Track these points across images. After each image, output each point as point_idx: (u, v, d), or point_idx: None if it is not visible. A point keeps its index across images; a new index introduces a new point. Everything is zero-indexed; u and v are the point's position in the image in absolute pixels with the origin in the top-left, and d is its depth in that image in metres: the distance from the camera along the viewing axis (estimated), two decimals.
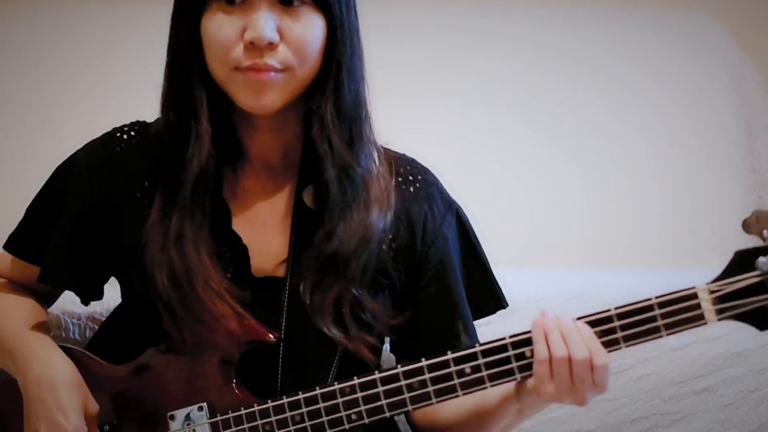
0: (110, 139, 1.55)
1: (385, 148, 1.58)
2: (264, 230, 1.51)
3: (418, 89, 2.44)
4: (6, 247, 1.61)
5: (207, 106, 1.45)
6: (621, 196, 2.49)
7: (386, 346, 1.64)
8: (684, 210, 2.48)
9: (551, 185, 2.48)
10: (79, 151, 1.57)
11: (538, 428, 1.90)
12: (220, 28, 1.39)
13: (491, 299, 1.60)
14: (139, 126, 1.56)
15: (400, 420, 1.64)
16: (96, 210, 1.53)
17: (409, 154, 1.62)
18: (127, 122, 1.57)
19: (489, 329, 1.64)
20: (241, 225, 1.51)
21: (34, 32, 2.39)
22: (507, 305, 1.61)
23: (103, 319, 1.79)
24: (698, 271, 2.12)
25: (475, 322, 1.61)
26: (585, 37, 2.61)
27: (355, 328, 1.47)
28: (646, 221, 2.47)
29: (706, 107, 2.57)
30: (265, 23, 1.37)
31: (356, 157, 1.46)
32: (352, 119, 1.46)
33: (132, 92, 2.33)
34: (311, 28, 1.40)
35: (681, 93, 2.57)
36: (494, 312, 1.61)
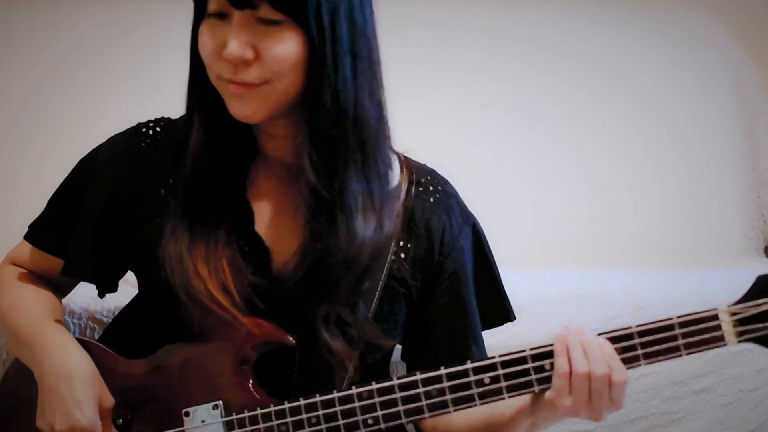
0: (135, 133, 1.56)
1: (405, 157, 1.59)
2: (284, 232, 1.52)
3: (418, 89, 2.45)
4: (27, 237, 1.62)
5: (202, 112, 1.47)
6: (621, 196, 2.49)
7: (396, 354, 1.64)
8: (684, 210, 2.49)
9: (551, 185, 2.49)
10: (103, 144, 1.58)
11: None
12: (206, 41, 1.42)
13: (500, 312, 1.62)
14: (165, 122, 1.57)
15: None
16: (119, 204, 1.53)
17: (428, 163, 1.62)
18: (153, 117, 1.58)
19: (489, 329, 1.64)
20: (262, 226, 1.51)
21: (34, 32, 2.39)
22: (515, 318, 1.62)
23: (104, 318, 1.79)
24: (698, 271, 2.13)
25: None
26: (585, 37, 2.61)
27: (344, 344, 1.47)
28: (646, 221, 2.47)
29: (706, 107, 2.57)
30: (235, 43, 1.38)
31: (336, 184, 1.46)
32: (329, 135, 1.44)
33: (132, 92, 2.34)
34: (284, 46, 1.40)
35: (681, 93, 2.57)
36: (501, 324, 1.62)
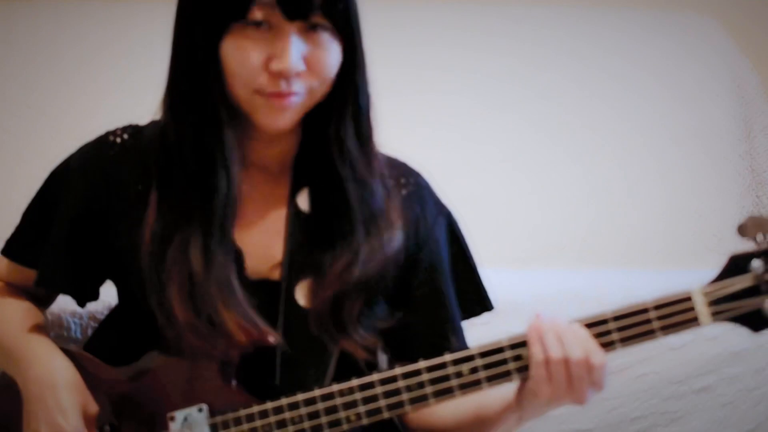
0: (104, 142, 1.55)
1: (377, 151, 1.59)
2: (259, 233, 1.52)
3: (418, 89, 2.45)
4: (3, 252, 1.61)
5: (232, 127, 1.46)
6: (621, 195, 2.49)
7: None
8: (683, 210, 2.48)
9: (552, 185, 2.49)
10: (72, 155, 1.57)
11: (537, 427, 1.89)
12: (244, 53, 1.38)
13: (478, 301, 1.61)
14: (132, 129, 1.56)
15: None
16: (90, 214, 1.52)
17: (409, 155, 1.63)
18: (120, 125, 1.57)
19: (488, 329, 1.64)
20: (236, 229, 1.51)
21: (33, 32, 2.39)
22: (493, 308, 1.62)
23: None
24: (698, 270, 2.13)
25: (475, 322, 1.62)
26: (585, 37, 2.61)
27: (354, 330, 1.48)
28: (646, 221, 2.47)
29: (705, 107, 2.57)
30: (294, 55, 1.37)
31: (374, 176, 1.50)
32: (369, 137, 1.49)
33: (131, 92, 2.34)
34: (332, 54, 1.41)
35: (681, 93, 2.57)
36: (479, 314, 1.62)
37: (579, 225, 2.45)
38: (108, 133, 1.56)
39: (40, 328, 1.57)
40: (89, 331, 1.81)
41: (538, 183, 2.49)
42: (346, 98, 1.45)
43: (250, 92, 1.40)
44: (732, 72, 2.61)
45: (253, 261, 1.50)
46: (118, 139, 1.54)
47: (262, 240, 1.51)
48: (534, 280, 2.01)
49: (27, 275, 1.59)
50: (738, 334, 1.96)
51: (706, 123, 2.56)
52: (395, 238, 1.51)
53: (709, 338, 1.96)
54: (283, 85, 1.38)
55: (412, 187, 1.58)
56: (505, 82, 2.52)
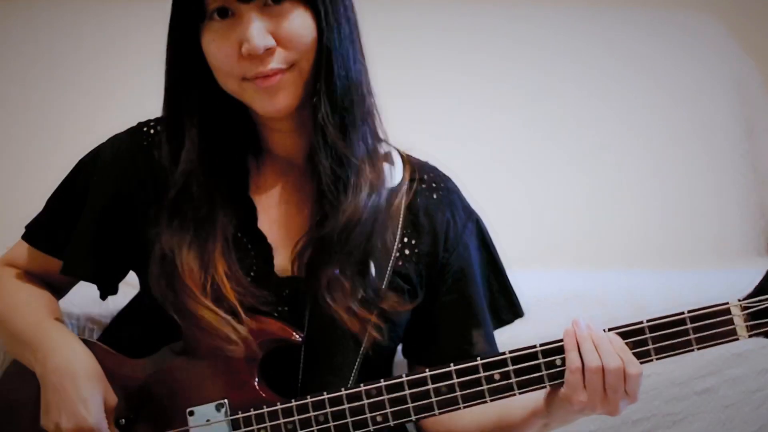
0: (137, 132, 1.56)
1: (407, 155, 1.59)
2: (287, 229, 1.51)
3: (418, 89, 2.44)
4: (25, 238, 1.61)
5: (197, 123, 1.46)
6: (621, 195, 2.49)
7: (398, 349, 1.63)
8: (684, 210, 2.48)
9: (551, 185, 2.48)
10: (104, 143, 1.58)
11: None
12: (217, 46, 1.41)
13: (510, 308, 1.61)
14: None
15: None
16: (121, 202, 1.53)
17: (429, 160, 1.62)
18: (152, 118, 1.57)
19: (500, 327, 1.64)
20: (265, 223, 1.51)
21: (33, 32, 2.39)
22: (523, 314, 1.61)
23: (102, 319, 1.79)
24: (698, 271, 2.13)
25: None
26: (585, 37, 2.61)
27: (357, 305, 1.46)
28: (647, 221, 2.47)
29: (706, 107, 2.57)
30: (257, 34, 1.38)
31: (350, 146, 1.46)
32: (344, 106, 1.46)
33: (132, 92, 2.33)
34: (298, 21, 1.41)
35: (681, 93, 2.57)
36: (512, 321, 1.62)
37: (579, 225, 2.45)
38: (140, 124, 1.56)
39: (58, 318, 1.57)
40: (86, 333, 1.81)
41: (538, 183, 2.49)
42: (320, 64, 1.43)
43: (238, 82, 1.42)
44: (734, 71, 2.61)
45: (281, 257, 1.49)
46: (152, 130, 1.55)
47: (291, 234, 1.51)
48: (534, 280, 2.00)
49: (47, 263, 1.59)
50: None
51: (707, 122, 2.56)
52: (365, 198, 1.47)
53: None
54: (260, 66, 1.39)
55: (443, 192, 1.57)
56: (506, 82, 2.52)
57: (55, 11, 2.41)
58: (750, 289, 1.36)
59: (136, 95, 2.29)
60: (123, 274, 1.60)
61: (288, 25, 1.40)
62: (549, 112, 2.53)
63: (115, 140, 1.57)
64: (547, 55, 2.56)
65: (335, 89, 1.44)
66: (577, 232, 2.44)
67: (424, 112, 2.42)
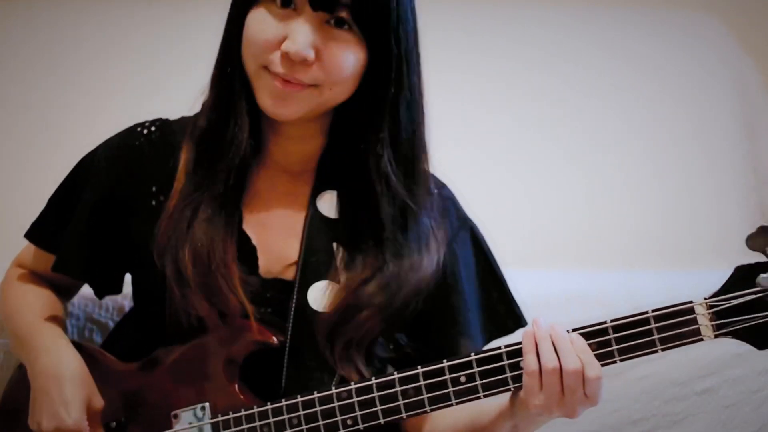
0: (131, 133, 1.56)
1: None
2: (275, 232, 1.52)
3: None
4: (27, 236, 1.62)
5: (244, 97, 1.45)
6: (621, 196, 2.49)
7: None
8: (684, 210, 2.48)
9: (551, 185, 2.48)
10: (100, 145, 1.59)
11: (538, 429, 1.89)
12: (262, 28, 1.39)
13: (510, 317, 1.59)
14: (160, 122, 1.57)
15: None
16: (113, 202, 1.53)
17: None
18: (152, 118, 1.58)
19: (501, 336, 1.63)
20: (252, 225, 1.51)
21: (33, 33, 2.39)
22: (526, 323, 1.58)
23: (102, 319, 1.79)
24: (699, 271, 2.13)
25: None
26: (585, 37, 2.61)
27: (356, 354, 1.47)
28: (647, 221, 2.47)
29: (706, 107, 2.57)
30: (305, 39, 1.36)
31: (415, 198, 1.48)
32: (410, 159, 1.47)
33: (132, 92, 2.34)
34: (348, 55, 1.40)
35: (681, 93, 2.57)
36: (513, 330, 1.59)
37: (579, 225, 2.45)
38: (136, 125, 1.57)
39: (56, 319, 1.58)
40: (86, 333, 1.81)
41: (538, 183, 2.48)
42: (382, 114, 1.44)
43: (258, 66, 1.41)
44: (734, 71, 2.60)
45: (266, 259, 1.50)
46: (146, 131, 1.55)
47: (279, 239, 1.51)
48: (534, 280, 2.00)
49: (50, 262, 1.59)
50: None
51: (707, 123, 2.56)
52: (426, 272, 1.48)
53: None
54: (288, 70, 1.38)
55: (437, 199, 1.57)
56: (506, 82, 2.52)
57: (55, 11, 2.40)
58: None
59: (136, 95, 2.30)
60: (118, 276, 1.60)
61: (335, 50, 1.39)
62: (549, 112, 2.52)
63: (110, 141, 1.58)
64: (547, 55, 2.56)
65: (400, 147, 1.46)
66: (577, 232, 2.44)
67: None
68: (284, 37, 1.38)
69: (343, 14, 1.37)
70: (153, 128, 1.55)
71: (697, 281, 2.01)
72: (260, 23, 1.39)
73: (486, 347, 1.56)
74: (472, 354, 1.37)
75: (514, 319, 1.60)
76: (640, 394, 1.92)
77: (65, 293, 1.66)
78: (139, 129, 1.56)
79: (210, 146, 1.47)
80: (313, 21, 1.37)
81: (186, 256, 1.44)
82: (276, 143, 1.51)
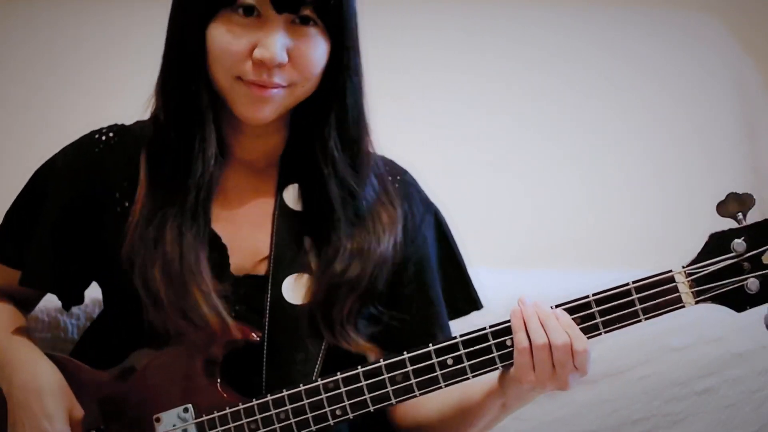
0: (89, 140, 1.55)
1: None
2: (244, 228, 1.52)
3: (417, 89, 2.44)
4: None
5: (211, 110, 1.46)
6: (621, 196, 2.49)
7: None
8: (684, 210, 2.48)
9: (551, 185, 2.48)
10: (57, 153, 1.57)
11: (539, 430, 1.90)
12: (230, 41, 1.40)
13: (467, 300, 1.62)
14: (117, 127, 1.56)
15: None
16: (76, 211, 1.52)
17: (414, 157, 1.63)
18: (105, 125, 1.57)
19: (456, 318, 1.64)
20: (220, 224, 1.51)
21: (33, 33, 2.38)
22: (482, 306, 1.62)
23: None
24: None
25: (474, 323, 1.60)
26: (585, 37, 2.61)
27: (344, 331, 1.48)
28: (647, 221, 2.47)
29: (706, 107, 2.57)
30: (277, 44, 1.38)
31: (361, 180, 1.50)
32: (354, 140, 1.49)
33: (132, 92, 2.33)
34: (318, 50, 1.42)
35: (681, 93, 2.57)
36: (468, 313, 1.62)
37: (578, 226, 2.45)
38: (93, 132, 1.56)
39: (24, 332, 1.56)
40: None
41: (538, 183, 2.48)
42: (331, 99, 1.46)
43: (232, 79, 1.41)
44: (734, 71, 2.60)
45: (237, 256, 1.50)
46: (104, 137, 1.54)
47: (248, 235, 1.51)
48: (534, 280, 2.00)
49: (10, 276, 1.57)
50: (741, 336, 1.97)
51: (707, 123, 2.56)
52: (384, 240, 1.51)
53: (712, 339, 1.95)
54: (264, 75, 1.39)
55: (399, 185, 1.58)
56: (506, 82, 2.52)
57: (55, 11, 2.40)
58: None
59: (136, 95, 2.30)
60: (84, 284, 1.59)
61: (306, 48, 1.40)
62: (549, 112, 2.52)
63: (68, 149, 1.56)
64: (547, 55, 2.56)
65: (347, 127, 1.47)
66: (577, 232, 2.44)
67: (423, 112, 2.42)
68: (254, 45, 1.39)
69: (307, 12, 1.39)
70: (111, 134, 1.54)
71: None
72: (226, 36, 1.40)
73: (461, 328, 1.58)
74: (458, 336, 1.39)
75: (471, 302, 1.62)
76: (639, 394, 1.92)
77: (25, 306, 1.64)
78: (97, 136, 1.55)
79: (172, 164, 1.47)
80: (280, 24, 1.38)
81: (157, 276, 1.43)
82: (239, 141, 1.52)
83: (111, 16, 2.40)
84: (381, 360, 1.40)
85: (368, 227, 1.50)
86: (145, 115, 1.54)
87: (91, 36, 2.39)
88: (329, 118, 1.46)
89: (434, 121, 2.45)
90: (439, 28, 2.57)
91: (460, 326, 1.53)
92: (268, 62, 1.38)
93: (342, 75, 1.45)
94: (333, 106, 1.46)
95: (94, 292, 1.64)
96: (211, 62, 1.42)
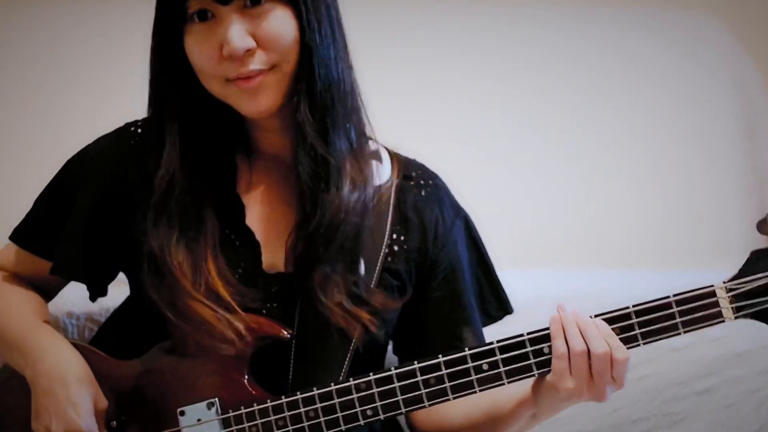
0: (123, 133, 1.56)
1: (395, 153, 1.59)
2: (275, 225, 1.52)
3: (417, 89, 2.44)
4: (13, 239, 1.61)
5: (179, 125, 1.48)
6: (621, 196, 2.49)
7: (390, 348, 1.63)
8: (684, 210, 2.48)
9: (551, 185, 2.48)
10: (91, 144, 1.58)
11: (539, 429, 1.89)
12: (199, 49, 1.42)
13: (499, 305, 1.62)
14: (147, 121, 1.56)
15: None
16: (109, 203, 1.53)
17: (417, 157, 1.62)
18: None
19: (489, 330, 1.63)
20: (254, 220, 1.51)
21: (33, 33, 2.38)
22: (513, 311, 1.62)
23: (102, 319, 1.79)
24: (699, 271, 2.13)
25: None
26: (585, 37, 2.60)
27: (350, 302, 1.47)
28: (647, 221, 2.47)
29: (706, 107, 2.57)
30: (236, 35, 1.39)
31: (331, 145, 1.46)
32: (324, 105, 1.46)
33: (132, 93, 2.33)
34: (281, 22, 1.42)
35: (681, 93, 2.56)
36: (501, 318, 1.63)
37: (579, 225, 2.45)
38: (128, 124, 1.57)
39: (47, 320, 1.57)
40: (86, 333, 1.81)
41: (538, 183, 2.48)
42: (302, 64, 1.44)
43: (221, 84, 1.43)
44: (734, 71, 2.60)
45: (269, 253, 1.50)
46: (139, 130, 1.55)
47: (279, 232, 1.51)
48: (534, 280, 2.00)
49: (36, 265, 1.59)
50: (741, 336, 1.97)
51: (707, 122, 2.56)
52: (348, 193, 1.47)
53: (712, 339, 1.95)
54: (241, 67, 1.40)
55: (431, 189, 1.57)
56: (506, 82, 2.52)
57: (55, 11, 2.40)
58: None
59: (137, 95, 2.30)
60: (113, 275, 1.60)
61: (267, 25, 1.40)
62: (548, 111, 2.52)
63: (103, 141, 1.57)
64: (546, 55, 2.55)
65: (315, 88, 1.44)
66: (577, 232, 2.43)
67: (423, 112, 2.42)
68: (221, 45, 1.40)
69: None
70: (145, 128, 1.55)
71: (697, 281, 2.01)
72: (195, 47, 1.42)
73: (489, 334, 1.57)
74: (494, 342, 1.39)
75: (503, 307, 1.63)
76: (639, 394, 1.92)
77: (47, 295, 1.65)
78: (132, 129, 1.56)
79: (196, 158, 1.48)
80: (231, 15, 1.39)
81: (184, 305, 1.44)
82: (262, 137, 1.53)
83: (111, 16, 2.40)
84: (415, 362, 1.40)
85: (334, 187, 1.47)
86: None
87: (91, 36, 2.39)
88: (298, 85, 1.44)
89: (434, 121, 2.44)
90: (438, 27, 2.57)
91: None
92: (235, 53, 1.38)
93: (306, 39, 1.43)
94: (301, 73, 1.44)
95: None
96: (199, 76, 1.45)
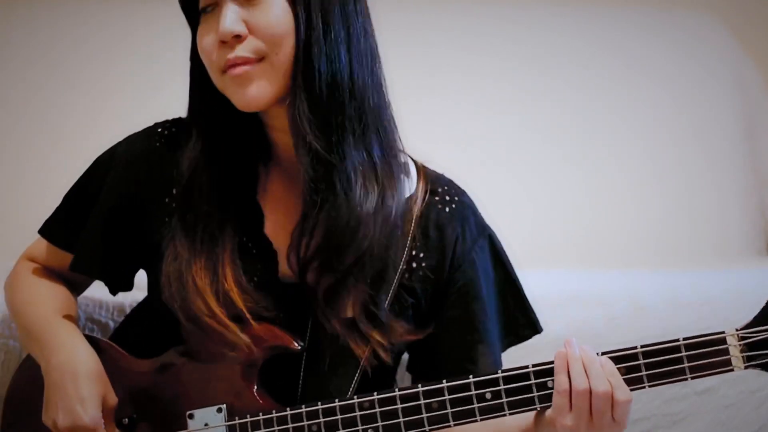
0: (152, 133, 1.56)
1: (423, 166, 1.58)
2: (290, 233, 1.50)
3: (417, 89, 2.44)
4: (42, 232, 1.62)
5: (204, 127, 1.48)
6: (621, 196, 2.49)
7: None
8: (684, 210, 2.48)
9: (551, 185, 2.48)
10: (120, 142, 1.58)
11: None
12: (205, 40, 1.43)
13: (527, 324, 1.59)
14: (177, 121, 1.57)
15: None
16: (131, 203, 1.53)
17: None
18: (161, 119, 1.57)
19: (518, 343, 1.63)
20: (271, 228, 1.51)
21: (33, 33, 2.39)
22: (542, 330, 1.59)
23: (102, 319, 1.79)
24: (699, 271, 2.13)
25: None
26: (585, 37, 2.61)
27: (363, 323, 1.45)
28: (647, 221, 2.47)
29: (706, 107, 2.57)
30: (227, 19, 1.39)
31: (335, 148, 1.43)
32: (330, 105, 1.43)
33: (132, 92, 2.34)
34: (274, 12, 1.41)
35: (681, 93, 2.57)
36: (530, 337, 1.59)
37: (579, 226, 2.45)
38: (156, 125, 1.56)
39: (69, 315, 1.57)
40: (86, 332, 1.80)
41: (538, 183, 2.49)
42: (298, 59, 1.42)
43: (219, 75, 1.42)
44: (734, 71, 2.61)
45: (284, 262, 1.49)
46: (166, 131, 1.55)
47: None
48: (534, 280, 2.00)
49: (63, 259, 1.59)
50: None
51: (707, 123, 2.56)
52: (375, 199, 1.45)
53: None
54: (229, 53, 1.39)
55: (456, 206, 1.55)
56: (506, 82, 2.52)
57: (55, 11, 2.41)
58: (749, 319, 1.33)
59: (136, 95, 2.30)
60: (132, 274, 1.60)
61: (260, 14, 1.40)
62: (549, 112, 2.53)
63: (130, 140, 1.57)
64: (548, 56, 2.56)
65: (315, 85, 1.42)
66: (577, 232, 2.44)
67: (424, 112, 2.42)
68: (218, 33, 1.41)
69: None
70: (174, 129, 1.55)
71: (696, 281, 2.01)
72: (201, 39, 1.43)
73: (506, 358, 1.56)
74: (499, 371, 1.37)
75: (531, 327, 1.59)
76: (639, 394, 1.91)
77: (77, 288, 1.66)
78: (160, 129, 1.56)
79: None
80: (230, 2, 1.40)
81: (196, 307, 1.44)
82: (278, 141, 1.51)
83: (111, 16, 2.40)
84: (419, 385, 1.39)
85: (338, 197, 1.43)
86: (181, 113, 1.55)
87: (91, 36, 2.40)
88: (296, 81, 1.42)
89: (434, 121, 2.45)
90: (439, 29, 2.57)
91: None
92: (223, 37, 1.39)
93: (304, 34, 1.41)
94: (299, 69, 1.42)
95: (92, 291, 1.64)
96: (209, 72, 1.44)
